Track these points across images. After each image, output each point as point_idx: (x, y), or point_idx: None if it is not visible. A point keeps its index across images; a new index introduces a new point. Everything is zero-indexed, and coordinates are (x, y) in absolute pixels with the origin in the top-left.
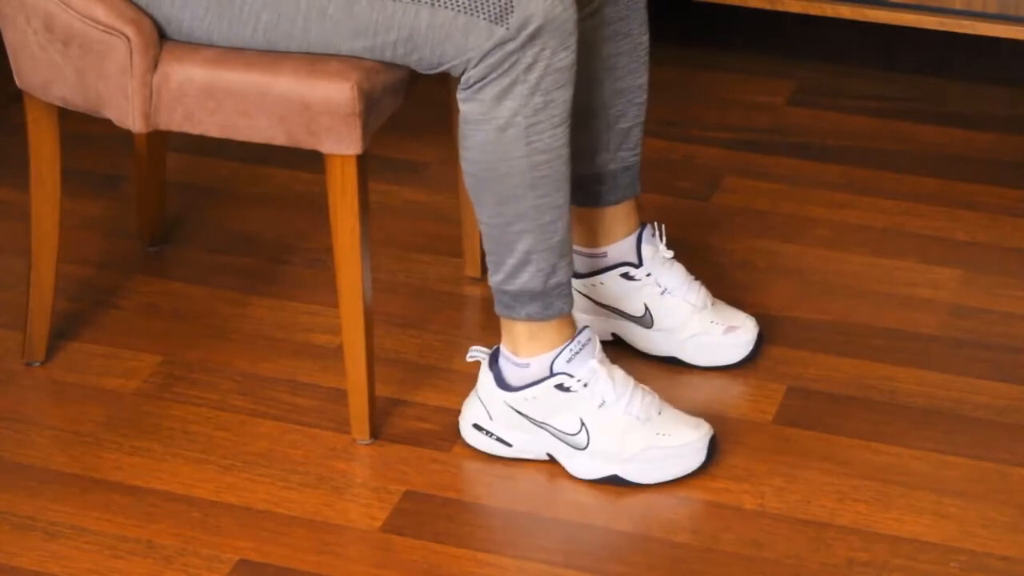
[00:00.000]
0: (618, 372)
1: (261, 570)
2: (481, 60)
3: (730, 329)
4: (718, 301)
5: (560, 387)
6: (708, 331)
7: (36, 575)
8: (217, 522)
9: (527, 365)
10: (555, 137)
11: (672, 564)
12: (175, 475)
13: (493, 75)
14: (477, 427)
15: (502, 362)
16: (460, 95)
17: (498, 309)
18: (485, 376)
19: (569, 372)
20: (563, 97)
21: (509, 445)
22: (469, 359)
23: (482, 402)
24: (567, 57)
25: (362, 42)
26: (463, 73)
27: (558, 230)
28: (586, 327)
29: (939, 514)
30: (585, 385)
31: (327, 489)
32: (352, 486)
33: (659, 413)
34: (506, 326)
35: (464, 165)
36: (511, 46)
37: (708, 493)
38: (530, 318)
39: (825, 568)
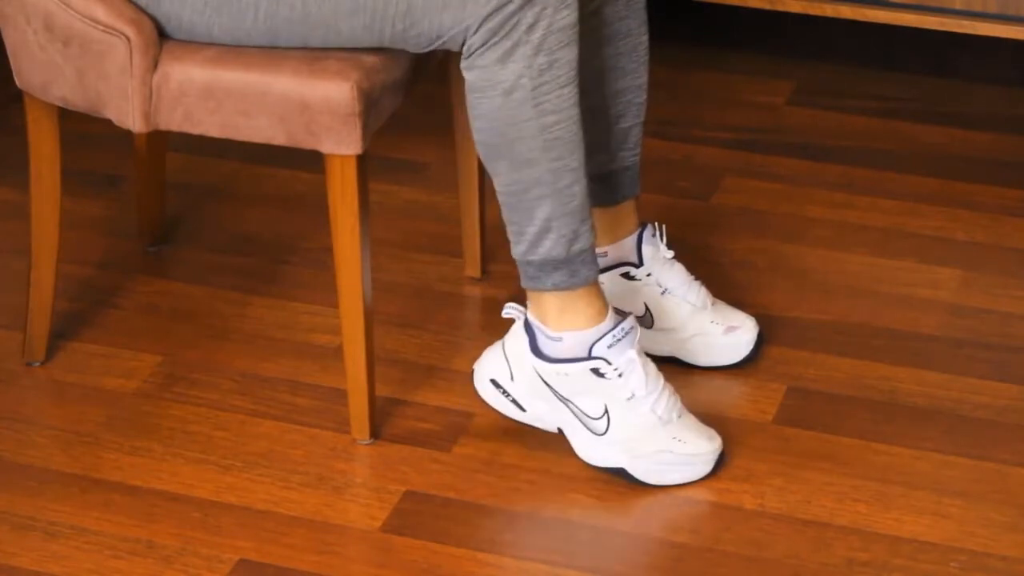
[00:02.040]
0: (651, 368)
1: (261, 570)
2: (481, 25)
3: (730, 329)
4: (718, 301)
5: (595, 371)
6: (708, 331)
7: (36, 575)
8: (217, 522)
9: (559, 339)
10: (563, 97)
11: (672, 564)
12: (175, 475)
13: (494, 39)
14: (495, 383)
15: (535, 329)
16: (463, 64)
17: (524, 282)
18: (518, 337)
19: (608, 359)
20: (567, 56)
21: (523, 410)
22: (505, 315)
23: (507, 360)
24: (569, 15)
25: (361, 19)
26: (463, 43)
27: (576, 194)
28: (631, 314)
29: (939, 514)
30: (620, 375)
31: (327, 489)
32: (352, 486)
33: (679, 417)
34: (534, 299)
35: (475, 135)
36: (510, 8)
37: (708, 493)
38: (557, 288)
39: (825, 568)
